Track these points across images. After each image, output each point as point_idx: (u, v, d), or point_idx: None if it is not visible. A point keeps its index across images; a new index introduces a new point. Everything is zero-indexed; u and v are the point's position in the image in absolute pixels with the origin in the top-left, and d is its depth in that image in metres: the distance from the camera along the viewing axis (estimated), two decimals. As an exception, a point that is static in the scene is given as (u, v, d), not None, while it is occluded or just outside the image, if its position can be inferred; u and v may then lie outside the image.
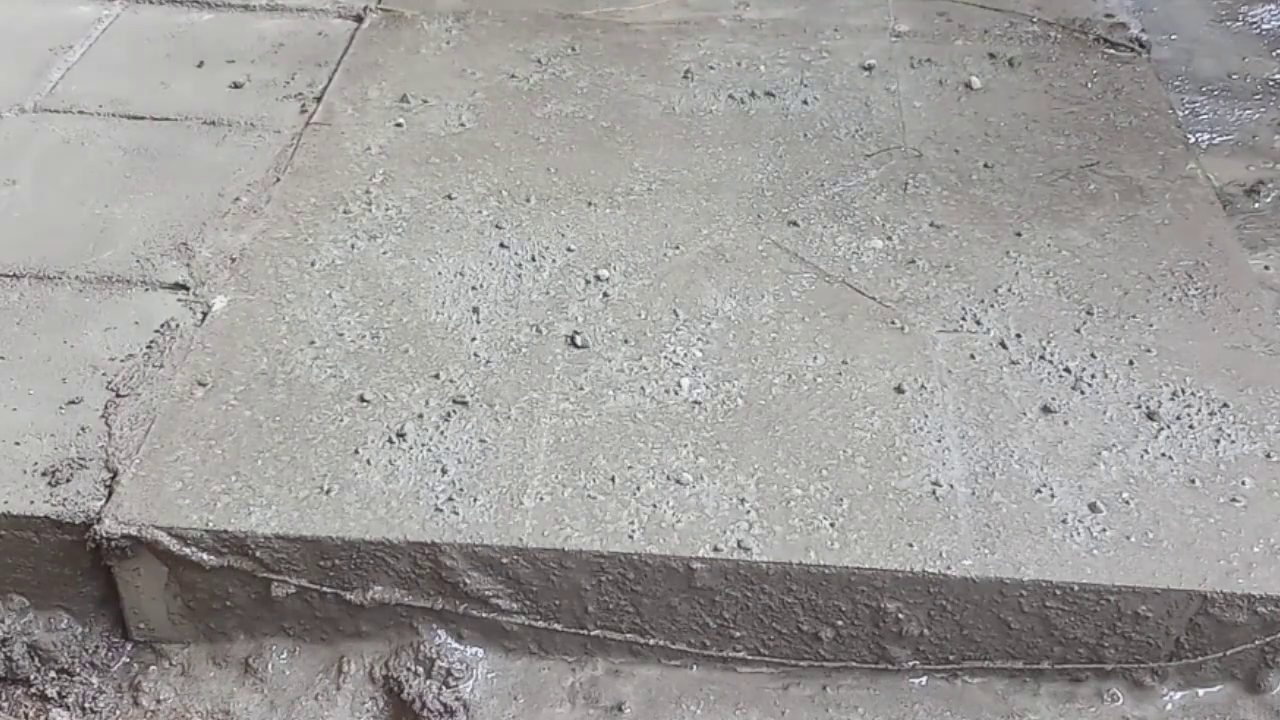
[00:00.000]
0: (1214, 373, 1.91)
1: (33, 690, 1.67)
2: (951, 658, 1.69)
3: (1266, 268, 2.25)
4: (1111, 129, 2.47)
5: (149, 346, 1.90)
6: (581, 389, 1.85)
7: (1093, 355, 1.93)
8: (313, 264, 2.07)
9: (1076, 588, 1.60)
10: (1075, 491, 1.71)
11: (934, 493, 1.70)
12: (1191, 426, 1.82)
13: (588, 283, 2.05)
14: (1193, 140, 2.49)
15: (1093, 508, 1.69)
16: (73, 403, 1.80)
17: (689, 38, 2.75)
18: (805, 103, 2.53)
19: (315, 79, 2.58)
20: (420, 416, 1.80)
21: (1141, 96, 2.57)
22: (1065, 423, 1.81)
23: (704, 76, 2.61)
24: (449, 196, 2.24)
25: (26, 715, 1.66)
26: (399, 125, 2.42)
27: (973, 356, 1.92)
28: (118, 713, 1.67)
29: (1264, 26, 3.05)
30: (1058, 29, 2.83)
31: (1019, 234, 2.18)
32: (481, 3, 2.85)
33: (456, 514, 1.65)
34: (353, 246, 2.12)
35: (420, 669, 1.67)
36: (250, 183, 2.27)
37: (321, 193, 2.24)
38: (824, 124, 2.48)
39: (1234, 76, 2.89)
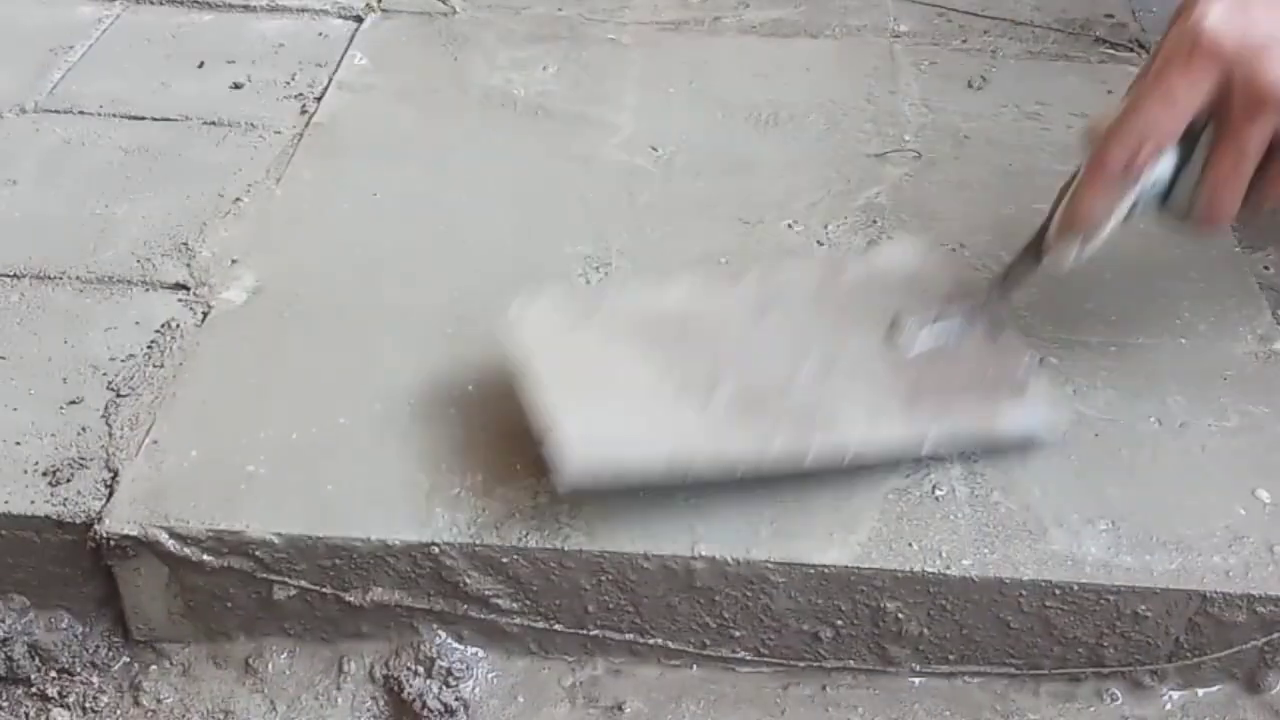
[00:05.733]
0: (1214, 373, 1.91)
1: (33, 690, 1.67)
2: (951, 657, 1.69)
3: (1266, 268, 2.25)
4: (1111, 129, 2.47)
5: (149, 346, 1.90)
6: (581, 389, 1.85)
7: (1092, 355, 1.93)
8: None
9: (1076, 587, 1.60)
10: (1075, 491, 1.71)
11: (934, 492, 1.70)
12: (1192, 427, 1.82)
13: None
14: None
15: (1093, 507, 1.69)
16: (73, 403, 1.80)
17: (689, 38, 2.76)
18: (805, 103, 2.54)
19: (315, 79, 2.59)
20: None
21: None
22: (1065, 422, 1.81)
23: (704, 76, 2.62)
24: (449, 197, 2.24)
25: (27, 715, 1.66)
26: (399, 125, 2.43)
27: (972, 356, 1.93)
28: (118, 712, 1.67)
29: (1264, 27, 3.05)
30: (1057, 29, 2.83)
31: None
32: (482, 3, 2.86)
33: (458, 514, 1.65)
34: (353, 247, 2.12)
35: (420, 669, 1.67)
36: (250, 183, 2.27)
37: (322, 193, 2.24)
38: (824, 124, 2.48)
39: (1234, 77, 2.89)
